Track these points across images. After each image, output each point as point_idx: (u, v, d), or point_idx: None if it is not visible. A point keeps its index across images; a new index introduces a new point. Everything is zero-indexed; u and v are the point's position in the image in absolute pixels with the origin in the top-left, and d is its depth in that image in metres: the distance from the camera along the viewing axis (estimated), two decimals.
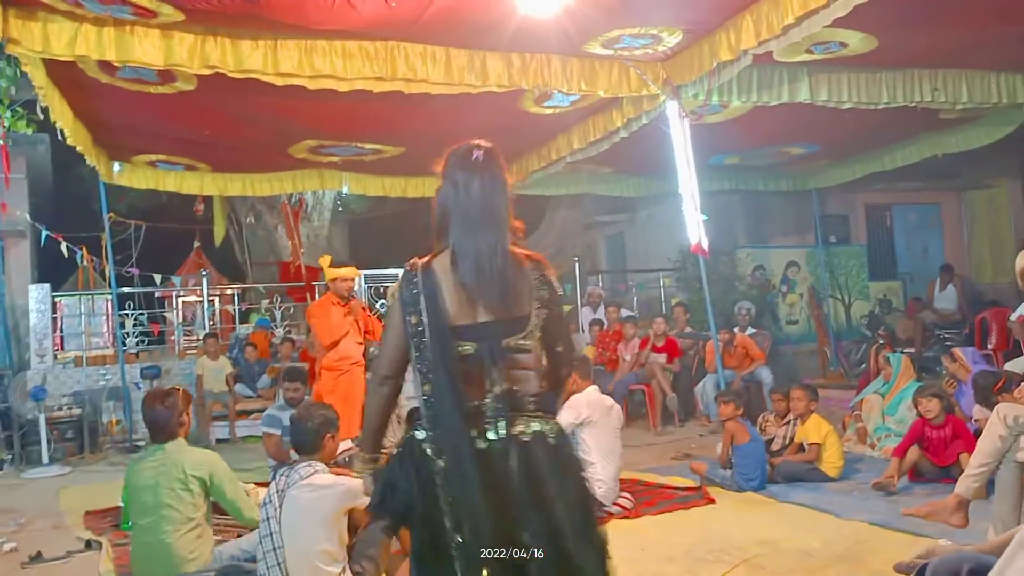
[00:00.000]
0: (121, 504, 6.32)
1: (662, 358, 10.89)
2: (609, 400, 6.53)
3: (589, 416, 6.17)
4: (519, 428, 2.75)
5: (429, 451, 2.71)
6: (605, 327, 11.94)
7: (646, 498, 6.65)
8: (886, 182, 14.20)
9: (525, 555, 2.64)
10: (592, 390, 6.37)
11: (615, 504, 6.32)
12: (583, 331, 12.58)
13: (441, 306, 2.77)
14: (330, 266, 7.32)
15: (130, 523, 5.21)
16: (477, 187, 2.83)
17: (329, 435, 4.40)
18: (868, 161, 12.62)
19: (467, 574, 2.61)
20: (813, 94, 8.22)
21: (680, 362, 11.08)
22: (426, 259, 2.85)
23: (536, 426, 2.78)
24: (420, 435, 2.74)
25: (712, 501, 6.57)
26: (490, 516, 2.63)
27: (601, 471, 6.15)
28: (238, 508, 4.81)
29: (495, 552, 2.61)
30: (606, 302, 12.87)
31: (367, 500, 2.97)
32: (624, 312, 12.56)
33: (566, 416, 5.91)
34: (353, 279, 7.34)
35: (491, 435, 2.71)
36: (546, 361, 2.90)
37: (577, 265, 14.42)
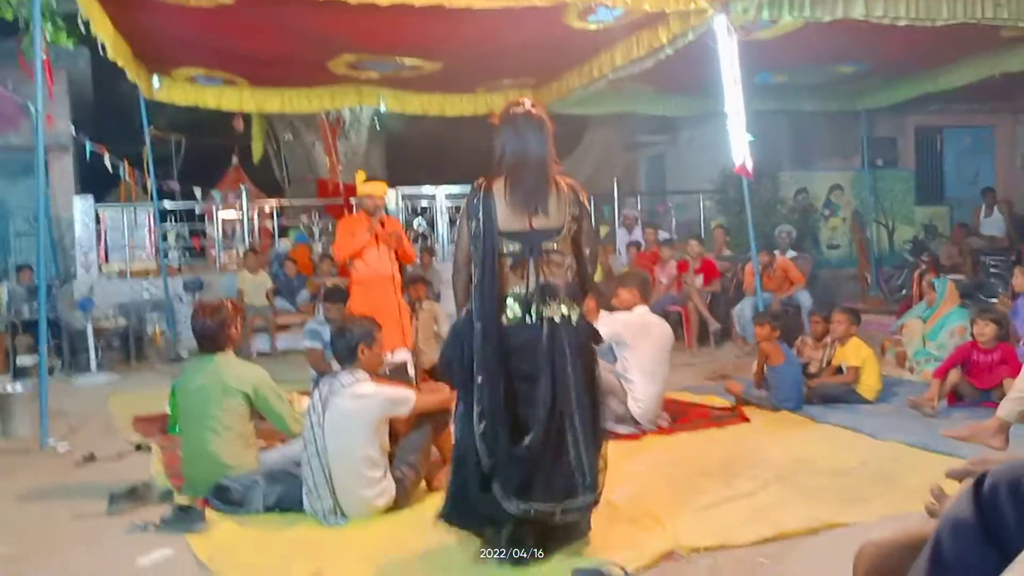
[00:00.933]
0: (168, 411, 6.48)
1: (700, 280, 10.89)
2: (654, 319, 6.42)
3: (622, 336, 6.09)
4: (551, 311, 3.68)
5: (475, 322, 3.67)
6: (643, 249, 11.92)
7: (683, 414, 6.68)
8: (939, 103, 13.89)
9: (532, 398, 3.64)
10: (640, 311, 6.26)
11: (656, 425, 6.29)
12: (619, 253, 12.61)
13: (494, 215, 3.71)
14: (363, 182, 7.33)
15: (177, 428, 5.38)
16: (528, 134, 3.78)
17: (366, 345, 4.44)
18: (921, 81, 12.23)
19: (487, 402, 3.61)
20: (868, 10, 7.88)
21: (718, 284, 11.05)
22: (487, 180, 3.79)
23: (564, 310, 3.73)
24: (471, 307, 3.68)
25: (747, 420, 6.57)
26: (512, 367, 3.66)
27: (640, 391, 6.11)
28: (283, 420, 4.91)
29: (496, 392, 3.63)
30: (644, 224, 12.87)
31: (407, 408, 4.04)
32: (662, 234, 12.46)
33: (608, 328, 5.87)
34: (381, 196, 7.25)
35: (533, 312, 3.66)
36: (575, 263, 3.83)
37: (616, 186, 14.33)
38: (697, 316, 10.62)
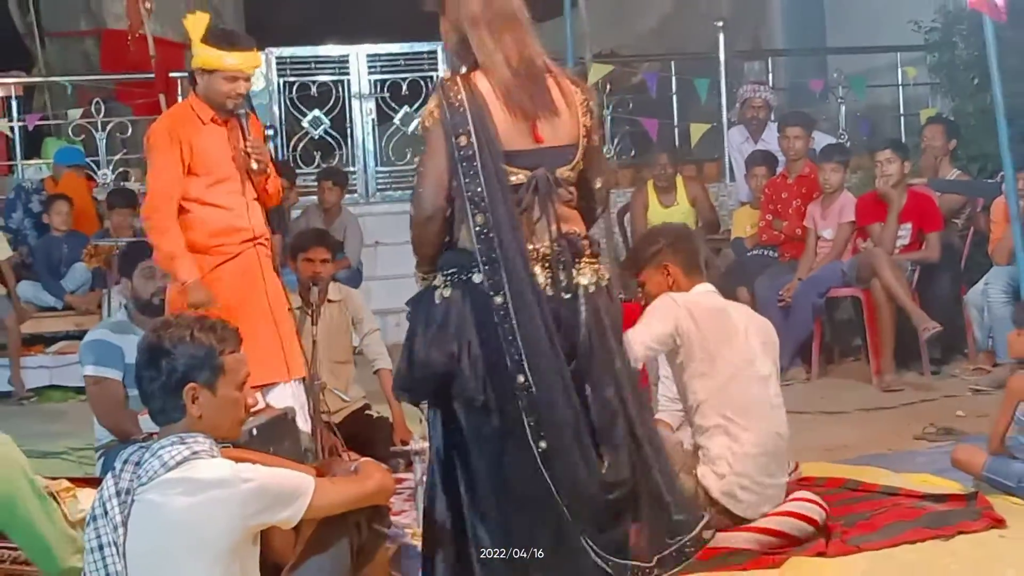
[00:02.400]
0: None
1: (901, 233, 8.09)
2: (742, 311, 5.07)
3: (688, 330, 4.71)
4: (585, 278, 3.25)
5: (491, 292, 3.12)
6: (780, 168, 9.00)
7: (862, 515, 5.18)
8: None
9: (585, 402, 3.21)
10: (702, 291, 4.93)
11: (777, 513, 4.74)
12: (732, 173, 10.02)
13: (491, 125, 3.17)
14: (206, 40, 5.35)
15: None
16: (506, 4, 3.30)
17: (205, 380, 3.33)
18: None
19: (530, 417, 3.11)
20: None
21: (936, 242, 8.05)
22: (465, 76, 3.29)
23: (597, 276, 3.29)
24: (477, 278, 3.13)
25: (999, 522, 5.08)
26: (555, 360, 3.16)
27: (722, 445, 4.74)
28: (46, 547, 3.81)
29: (558, 396, 3.14)
30: (783, 118, 9.48)
31: (299, 509, 3.16)
32: (821, 138, 9.30)
33: (643, 332, 4.66)
34: (249, 75, 5.54)
35: (562, 282, 3.20)
36: (580, 199, 3.37)
37: (722, 38, 10.74)
38: (891, 308, 7.79)
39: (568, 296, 3.15)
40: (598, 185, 3.37)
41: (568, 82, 3.30)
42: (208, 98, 5.49)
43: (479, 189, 3.09)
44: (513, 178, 3.14)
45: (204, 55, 5.46)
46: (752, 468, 4.70)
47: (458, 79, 3.18)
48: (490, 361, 3.09)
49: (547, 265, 3.15)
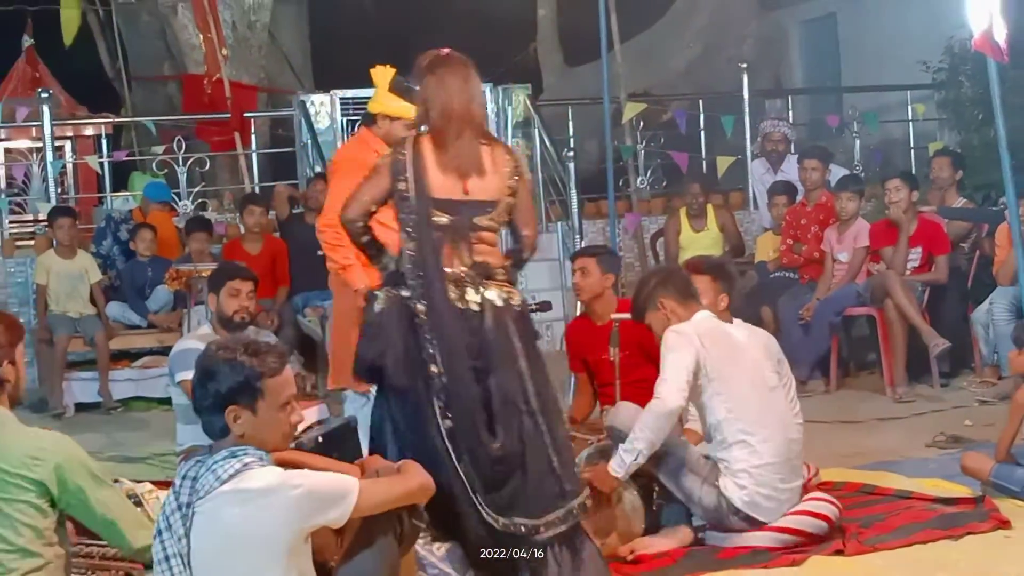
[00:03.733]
0: None
1: (912, 256, 8.41)
2: (742, 329, 5.11)
3: (702, 357, 4.75)
4: (492, 295, 3.91)
5: (415, 303, 3.82)
6: (799, 197, 9.32)
7: (878, 517, 5.35)
8: None
9: (487, 390, 3.81)
10: (701, 317, 4.95)
11: (795, 513, 4.81)
12: (755, 202, 10.40)
13: (425, 178, 3.91)
14: (393, 90, 5.69)
15: None
16: (453, 83, 3.98)
17: (246, 401, 3.39)
18: None
19: (440, 401, 3.74)
20: None
21: (944, 265, 8.44)
22: (416, 139, 4.01)
23: (505, 294, 3.94)
24: (405, 292, 3.86)
25: (1005, 523, 5.22)
26: (462, 357, 3.81)
27: (742, 458, 4.73)
28: (115, 528, 3.74)
29: (462, 385, 3.76)
30: (803, 151, 9.88)
31: (345, 509, 3.32)
32: (836, 169, 9.65)
33: (670, 383, 4.67)
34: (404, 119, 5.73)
35: (469, 297, 3.87)
36: (513, 241, 4.17)
37: (745, 78, 11.20)
38: (903, 326, 8.12)
39: (477, 309, 3.83)
40: (525, 232, 4.08)
41: (501, 151, 4.03)
42: (386, 139, 5.77)
43: (410, 223, 3.83)
44: (438, 219, 3.86)
45: (390, 104, 5.83)
46: (771, 476, 4.79)
47: (409, 140, 3.97)
48: (411, 356, 3.74)
49: (458, 285, 3.81)
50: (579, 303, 6.66)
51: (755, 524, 4.78)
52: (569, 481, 3.89)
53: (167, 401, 6.90)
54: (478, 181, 3.98)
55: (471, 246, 3.93)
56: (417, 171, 3.91)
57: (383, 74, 5.95)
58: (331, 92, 10.93)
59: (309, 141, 10.07)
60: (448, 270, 3.87)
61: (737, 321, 5.19)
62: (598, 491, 4.43)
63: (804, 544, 4.77)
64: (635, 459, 4.30)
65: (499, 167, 4.03)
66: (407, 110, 5.73)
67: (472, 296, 3.89)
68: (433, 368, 3.75)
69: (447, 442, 3.73)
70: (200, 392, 3.36)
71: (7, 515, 3.55)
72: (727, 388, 4.81)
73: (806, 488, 5.04)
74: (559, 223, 9.44)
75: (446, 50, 4.10)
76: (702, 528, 4.78)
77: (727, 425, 4.81)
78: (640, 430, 4.47)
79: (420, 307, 3.80)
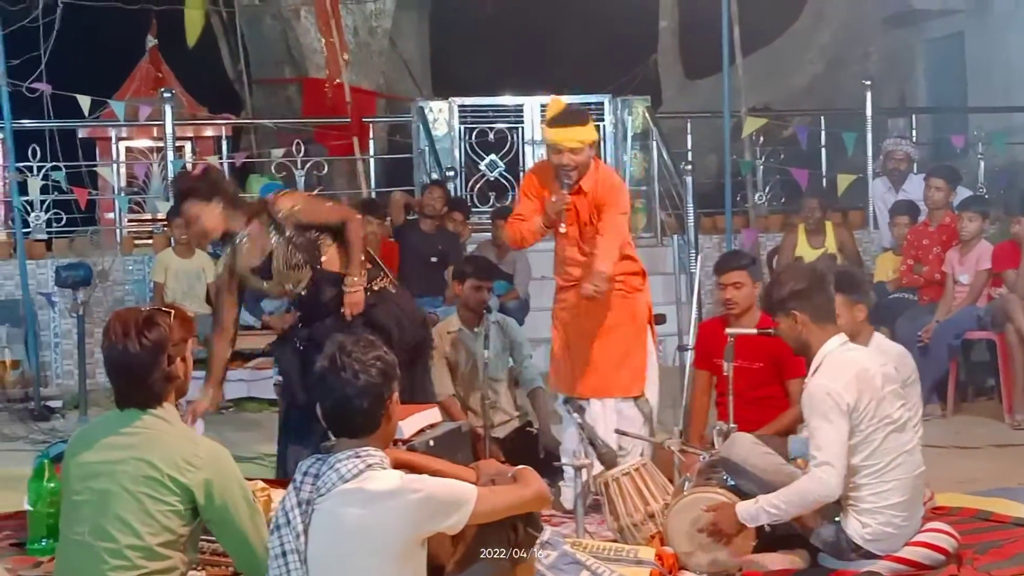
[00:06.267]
0: (28, 508, 5.43)
1: None
2: (875, 358, 4.84)
3: (854, 417, 4.53)
4: None
5: None
6: (922, 217, 9.27)
7: (994, 543, 5.24)
8: None
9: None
10: (836, 344, 4.68)
11: (914, 544, 4.67)
12: (875, 221, 10.29)
13: None
14: (555, 121, 5.63)
15: (43, 543, 5.02)
16: None
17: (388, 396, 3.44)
18: None
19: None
20: None
21: None
22: None
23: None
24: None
25: None
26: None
27: (869, 496, 4.61)
28: (250, 550, 3.67)
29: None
30: (931, 170, 9.68)
31: (463, 517, 3.32)
32: (961, 191, 9.48)
33: (834, 468, 4.45)
34: (564, 148, 5.61)
35: None
36: None
37: (869, 96, 10.83)
38: None
39: None
40: None
41: None
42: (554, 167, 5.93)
43: None
44: None
45: (556, 135, 5.82)
46: (895, 515, 4.73)
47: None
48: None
49: None
50: (694, 316, 6.53)
51: (874, 557, 4.68)
52: None
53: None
54: None
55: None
56: None
57: (557, 105, 5.87)
58: (450, 99, 11.14)
59: (426, 148, 10.13)
60: None
61: (877, 336, 5.04)
62: (718, 527, 4.39)
63: (917, 573, 4.65)
64: (771, 520, 4.27)
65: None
66: (544, 132, 6.04)
67: None
68: None
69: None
70: (347, 381, 3.38)
71: (150, 514, 3.56)
72: (865, 438, 4.69)
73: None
74: (674, 237, 9.32)
75: None
76: (817, 550, 4.68)
77: (859, 470, 4.70)
78: (789, 502, 4.40)
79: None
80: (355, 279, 5.66)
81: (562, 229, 5.72)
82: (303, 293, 5.22)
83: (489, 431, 6.06)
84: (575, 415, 5.21)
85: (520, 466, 3.70)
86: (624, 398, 5.25)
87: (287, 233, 5.49)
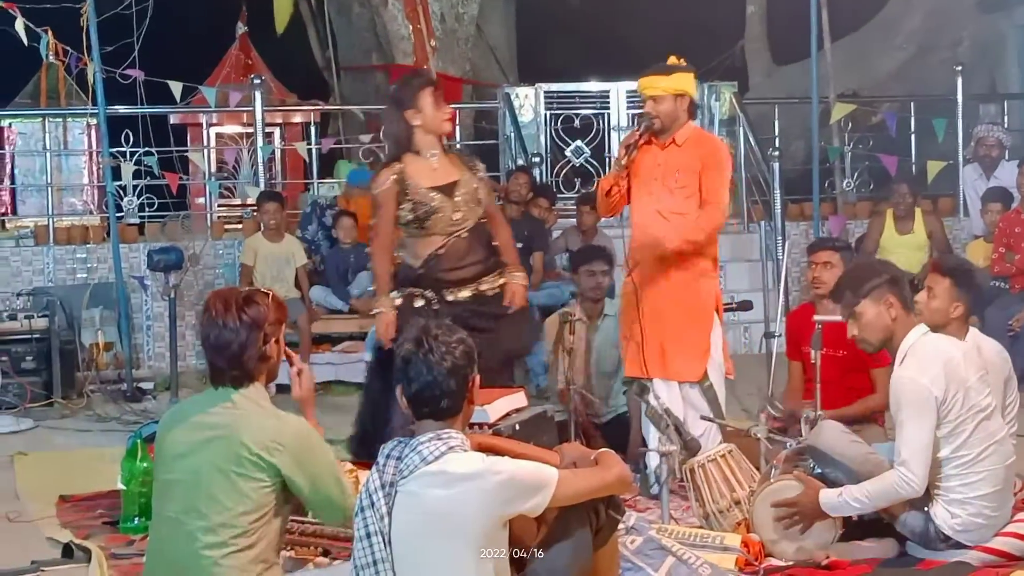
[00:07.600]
0: (121, 488, 5.52)
1: None
2: (962, 346, 4.65)
3: (941, 410, 4.46)
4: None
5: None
6: (1015, 204, 9.09)
7: None
8: None
9: None
10: (921, 334, 4.62)
11: (1004, 534, 4.60)
12: (966, 208, 10.34)
13: None
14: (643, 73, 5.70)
15: (135, 521, 5.15)
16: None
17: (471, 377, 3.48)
18: None
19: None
20: None
21: None
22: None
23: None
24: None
25: None
26: None
27: (959, 486, 4.55)
28: (332, 504, 3.72)
29: None
30: (1019, 157, 9.78)
31: (543, 499, 3.31)
32: None
33: (918, 457, 4.39)
34: (648, 96, 5.72)
35: None
36: None
37: (960, 81, 10.97)
38: None
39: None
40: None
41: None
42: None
43: None
44: None
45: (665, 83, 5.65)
46: (986, 505, 4.68)
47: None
48: None
49: None
50: (781, 303, 6.46)
51: (963, 547, 4.62)
52: None
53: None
54: None
55: None
56: None
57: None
58: (536, 85, 11.11)
59: (512, 134, 10.09)
60: None
61: (973, 332, 4.88)
62: (801, 513, 4.37)
63: (1007, 565, 4.57)
64: (854, 512, 4.27)
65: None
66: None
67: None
68: None
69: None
70: (433, 364, 3.39)
71: (241, 492, 3.60)
72: (953, 429, 4.61)
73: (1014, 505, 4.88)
74: (761, 223, 9.12)
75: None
76: (904, 538, 4.63)
77: (948, 461, 4.64)
78: (871, 496, 4.36)
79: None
80: (520, 273, 5.76)
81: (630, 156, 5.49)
82: (464, 236, 5.21)
83: (590, 418, 6.10)
84: (647, 398, 5.05)
85: (602, 449, 3.70)
86: (689, 383, 5.13)
87: (479, 175, 5.70)
